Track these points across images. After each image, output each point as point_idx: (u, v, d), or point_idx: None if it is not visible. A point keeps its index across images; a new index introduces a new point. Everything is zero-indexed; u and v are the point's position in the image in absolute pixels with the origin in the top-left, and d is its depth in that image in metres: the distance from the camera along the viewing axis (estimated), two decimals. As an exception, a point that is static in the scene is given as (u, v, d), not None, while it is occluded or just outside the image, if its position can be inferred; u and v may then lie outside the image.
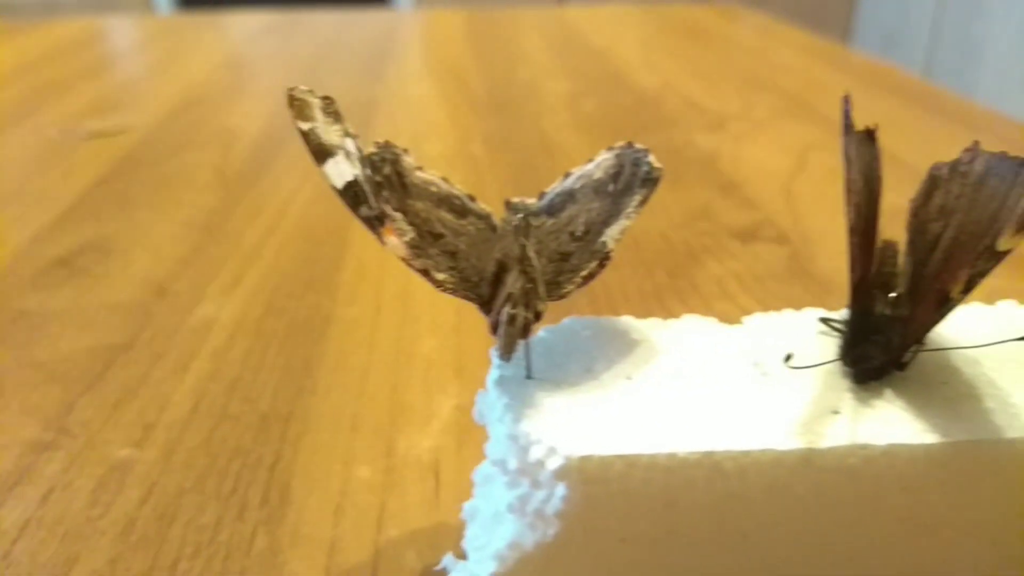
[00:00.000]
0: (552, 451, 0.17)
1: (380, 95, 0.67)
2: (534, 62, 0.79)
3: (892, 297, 0.18)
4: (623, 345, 0.20)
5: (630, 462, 0.17)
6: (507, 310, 0.17)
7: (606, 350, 0.20)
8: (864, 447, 0.17)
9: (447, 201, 0.21)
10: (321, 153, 0.18)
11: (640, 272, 0.39)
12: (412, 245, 0.18)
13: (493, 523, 0.18)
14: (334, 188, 0.18)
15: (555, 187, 0.22)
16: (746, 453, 0.17)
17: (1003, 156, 0.18)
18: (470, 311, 0.29)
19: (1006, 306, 0.22)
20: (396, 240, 0.18)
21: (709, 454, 0.17)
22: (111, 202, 0.47)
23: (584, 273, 0.18)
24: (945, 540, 0.18)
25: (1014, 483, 0.17)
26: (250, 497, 0.25)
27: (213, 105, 0.65)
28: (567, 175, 0.22)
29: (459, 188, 0.22)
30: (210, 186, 0.49)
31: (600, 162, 0.21)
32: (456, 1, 1.82)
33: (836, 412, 0.18)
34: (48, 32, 0.92)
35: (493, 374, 0.19)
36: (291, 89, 0.19)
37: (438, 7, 1.65)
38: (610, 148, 0.21)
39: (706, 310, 0.34)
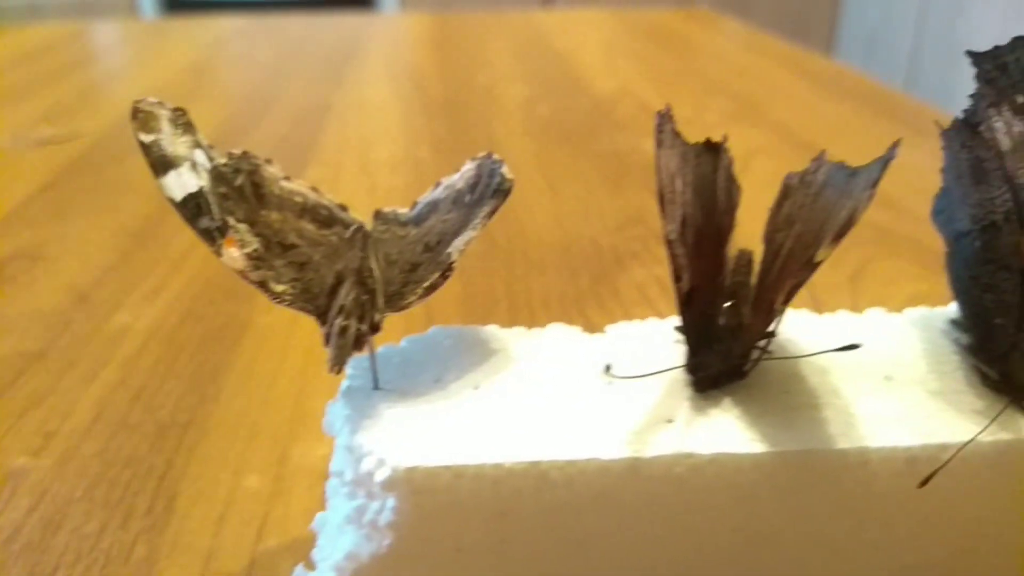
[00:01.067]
0: (381, 462, 0.17)
1: (336, 99, 0.67)
2: (495, 67, 0.79)
3: (727, 307, 0.18)
4: (480, 355, 0.20)
5: (457, 473, 0.17)
6: (338, 322, 0.17)
7: (461, 360, 0.20)
8: (689, 456, 0.17)
9: (312, 211, 0.21)
10: (162, 165, 0.18)
11: (564, 277, 0.39)
12: (253, 257, 0.18)
13: (337, 534, 0.18)
14: (171, 201, 0.18)
15: (425, 197, 0.22)
16: (572, 463, 0.17)
17: (840, 165, 0.18)
18: (389, 319, 0.29)
19: (873, 313, 0.22)
20: (235, 252, 0.18)
21: (535, 464, 0.17)
22: (49, 209, 0.47)
23: (426, 284, 0.18)
24: (781, 550, 0.18)
25: (848, 493, 0.17)
26: (136, 505, 0.25)
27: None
28: (436, 185, 0.22)
29: (329, 198, 0.22)
30: (148, 193, 0.49)
31: (463, 172, 0.21)
32: (441, 5, 1.82)
33: (670, 421, 0.18)
34: (20, 36, 0.92)
35: (343, 385, 0.19)
36: (137, 101, 0.19)
37: (421, 10, 1.65)
38: (473, 158, 0.21)
39: (624, 315, 0.34)
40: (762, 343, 0.19)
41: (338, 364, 0.17)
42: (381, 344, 0.20)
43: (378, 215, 0.22)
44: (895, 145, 0.17)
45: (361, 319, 0.17)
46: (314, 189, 0.22)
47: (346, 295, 0.17)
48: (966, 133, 0.19)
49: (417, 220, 0.21)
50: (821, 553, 0.18)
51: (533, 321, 0.35)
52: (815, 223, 0.17)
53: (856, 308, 0.24)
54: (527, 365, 0.20)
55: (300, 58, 0.84)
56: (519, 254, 0.41)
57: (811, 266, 0.16)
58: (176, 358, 0.32)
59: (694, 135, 0.20)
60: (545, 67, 0.79)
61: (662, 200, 0.17)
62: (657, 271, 0.39)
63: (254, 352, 0.33)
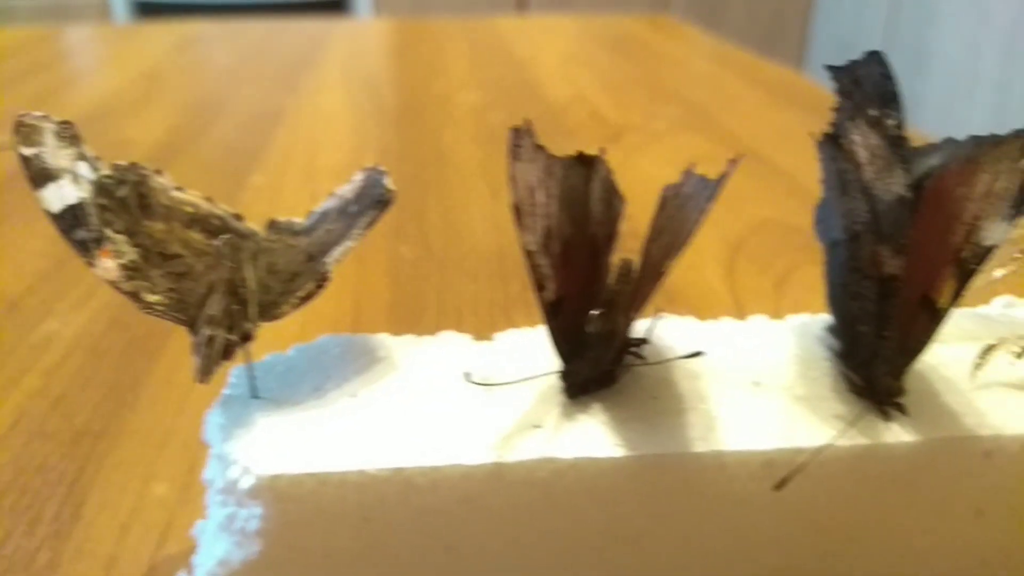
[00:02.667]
0: (246, 470, 0.17)
1: (289, 106, 0.68)
2: (452, 73, 0.79)
3: (594, 314, 0.18)
4: (364, 363, 0.20)
5: (321, 480, 0.17)
6: (205, 331, 0.17)
7: (345, 368, 0.20)
8: (552, 460, 0.17)
9: (203, 221, 0.21)
10: (41, 178, 0.18)
11: (494, 284, 0.39)
12: (128, 267, 0.18)
13: (212, 541, 0.19)
14: (48, 213, 0.18)
15: (319, 207, 0.22)
16: (436, 468, 0.17)
17: (702, 179, 0.18)
18: (317, 327, 0.29)
19: (756, 320, 0.23)
20: (110, 263, 0.18)
21: (399, 470, 0.17)
22: (-13, 216, 0.47)
23: (301, 294, 0.19)
24: (646, 552, 0.18)
25: (707, 496, 0.18)
26: (44, 512, 0.25)
27: (117, 116, 0.65)
28: (331, 195, 0.22)
29: (223, 208, 0.22)
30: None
31: (353, 182, 0.21)
32: (416, 10, 1.83)
33: (538, 426, 0.18)
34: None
35: (223, 394, 0.19)
36: (21, 115, 0.19)
37: (395, 15, 1.66)
38: (364, 168, 0.22)
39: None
40: (636, 349, 0.19)
41: (205, 374, 0.17)
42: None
43: (272, 225, 0.22)
44: (733, 163, 0.17)
45: (231, 329, 0.17)
46: (208, 199, 0.22)
47: (213, 305, 0.17)
48: (831, 146, 0.19)
49: (308, 230, 0.22)
50: (685, 555, 0.19)
51: (460, 328, 0.36)
52: (676, 235, 0.18)
53: (778, 314, 0.25)
54: (409, 373, 0.20)
55: (259, 64, 0.84)
56: (453, 261, 0.42)
57: (658, 275, 0.16)
58: (98, 366, 0.32)
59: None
60: (503, 74, 0.79)
61: (519, 212, 0.17)
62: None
63: (175, 361, 0.33)
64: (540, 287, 0.18)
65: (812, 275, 0.41)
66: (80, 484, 0.26)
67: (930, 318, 0.18)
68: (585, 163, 0.19)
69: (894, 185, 0.18)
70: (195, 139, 0.59)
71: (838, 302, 0.20)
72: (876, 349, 0.19)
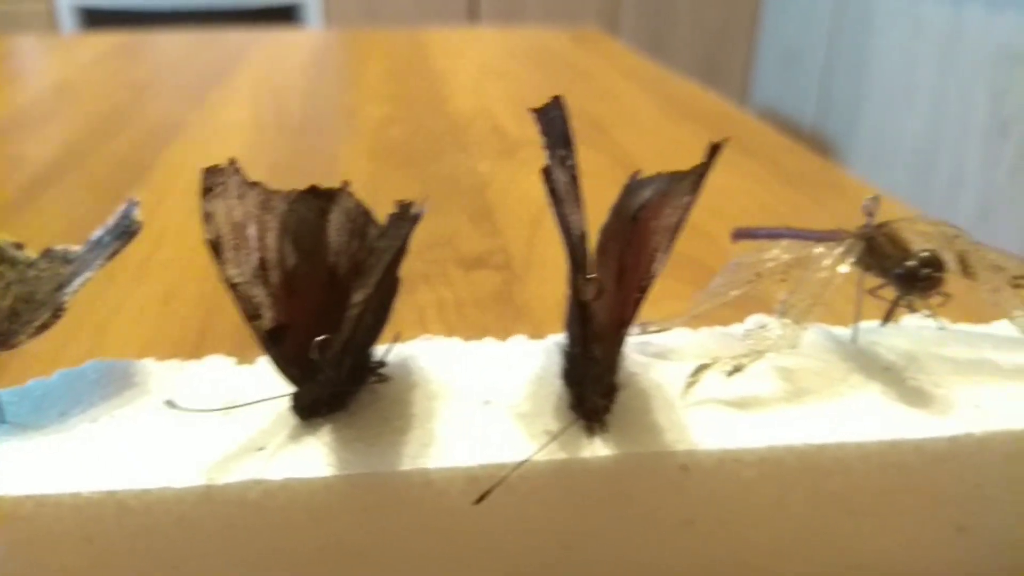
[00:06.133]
0: (-30, 493, 0.18)
1: (191, 120, 0.68)
2: (365, 85, 0.80)
3: (318, 340, 0.19)
4: (118, 388, 0.21)
5: (39, 502, 0.18)
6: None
7: (96, 394, 0.21)
8: (261, 482, 0.18)
9: (-26, 251, 0.22)
10: None
11: (349, 301, 0.40)
12: None
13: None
14: None
15: (93, 235, 0.23)
16: (147, 491, 0.18)
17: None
18: (160, 348, 0.29)
19: (517, 339, 0.24)
20: None
21: (111, 493, 0.18)
22: None
23: (36, 324, 0.19)
24: (368, 567, 0.20)
25: (418, 511, 0.19)
26: None
27: (16, 131, 0.65)
28: (103, 224, 0.23)
29: (3, 237, 0.23)
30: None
31: (116, 212, 0.22)
32: (366, 20, 1.83)
33: (261, 448, 0.19)
34: None
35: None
36: None
37: (346, 26, 1.66)
38: (129, 200, 0.22)
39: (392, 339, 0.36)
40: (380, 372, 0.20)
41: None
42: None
43: (46, 253, 0.23)
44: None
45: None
46: (-16, 229, 0.23)
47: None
48: (546, 180, 0.20)
49: (77, 259, 0.22)
50: (405, 569, 0.20)
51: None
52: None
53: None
54: (158, 398, 0.21)
55: (173, 76, 0.85)
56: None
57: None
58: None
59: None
60: (414, 87, 0.80)
61: (218, 247, 0.18)
62: (443, 294, 0.41)
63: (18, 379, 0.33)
64: (253, 316, 0.19)
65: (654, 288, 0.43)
66: None
67: (621, 340, 0.19)
68: (321, 196, 0.20)
69: (577, 220, 0.19)
70: (88, 155, 0.59)
71: (567, 323, 0.21)
72: (584, 369, 0.20)
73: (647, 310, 0.21)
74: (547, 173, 0.20)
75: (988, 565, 0.22)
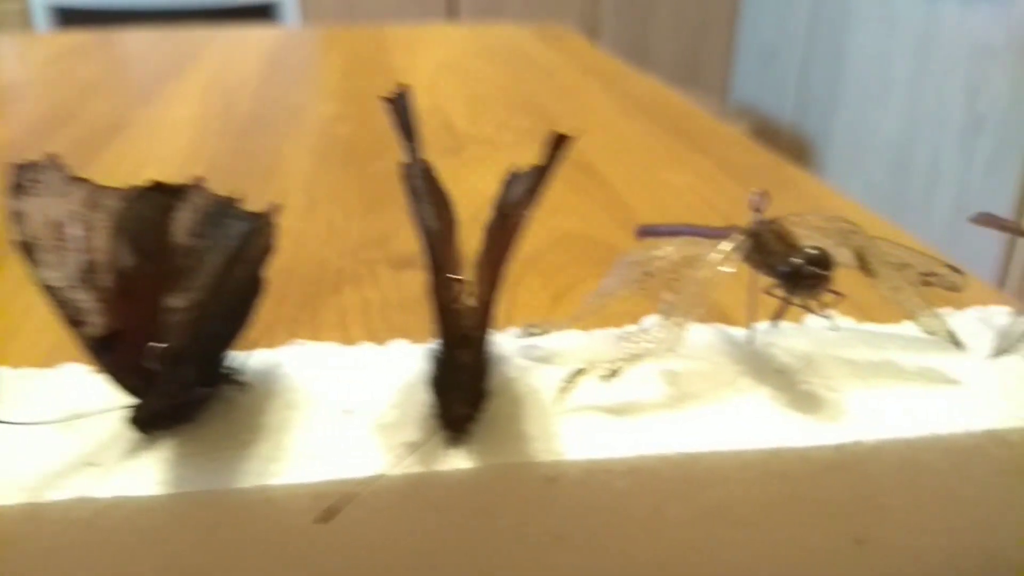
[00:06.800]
0: None
1: (138, 118, 0.66)
2: (318, 83, 0.79)
3: (154, 347, 0.18)
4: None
5: None
6: None
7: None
8: (89, 500, 0.17)
9: None
10: None
11: (273, 301, 0.38)
12: None
13: None
14: None
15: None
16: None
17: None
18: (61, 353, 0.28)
19: (396, 344, 0.23)
20: None
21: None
22: None
23: None
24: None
25: (259, 529, 0.18)
26: None
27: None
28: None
29: None
30: None
31: None
32: (343, 17, 1.82)
33: (94, 465, 0.18)
34: None
35: None
36: None
37: (322, 23, 1.64)
38: None
39: (311, 340, 0.35)
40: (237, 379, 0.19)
41: None
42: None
43: None
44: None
45: None
46: None
47: None
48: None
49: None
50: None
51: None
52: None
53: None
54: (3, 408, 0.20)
55: (125, 74, 0.83)
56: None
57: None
58: None
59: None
60: (368, 85, 0.79)
61: (32, 249, 0.17)
62: (368, 295, 0.40)
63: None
64: (76, 323, 0.17)
65: (592, 288, 0.42)
66: None
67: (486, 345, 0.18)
68: (167, 192, 0.19)
69: (432, 217, 0.18)
70: (24, 154, 0.57)
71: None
72: (449, 375, 0.19)
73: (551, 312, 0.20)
74: (406, 169, 0.19)
75: (886, 577, 0.21)
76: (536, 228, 0.47)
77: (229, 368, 0.20)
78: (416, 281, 0.42)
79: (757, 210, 0.22)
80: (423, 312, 0.38)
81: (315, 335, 0.37)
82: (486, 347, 0.19)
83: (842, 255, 0.22)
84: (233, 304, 0.20)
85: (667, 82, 0.80)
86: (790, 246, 0.20)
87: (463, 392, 0.19)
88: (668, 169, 0.62)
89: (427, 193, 0.19)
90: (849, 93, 1.70)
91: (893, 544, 0.21)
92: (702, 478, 0.19)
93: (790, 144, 1.86)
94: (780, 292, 0.21)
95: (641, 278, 0.22)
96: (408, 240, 0.47)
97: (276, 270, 0.45)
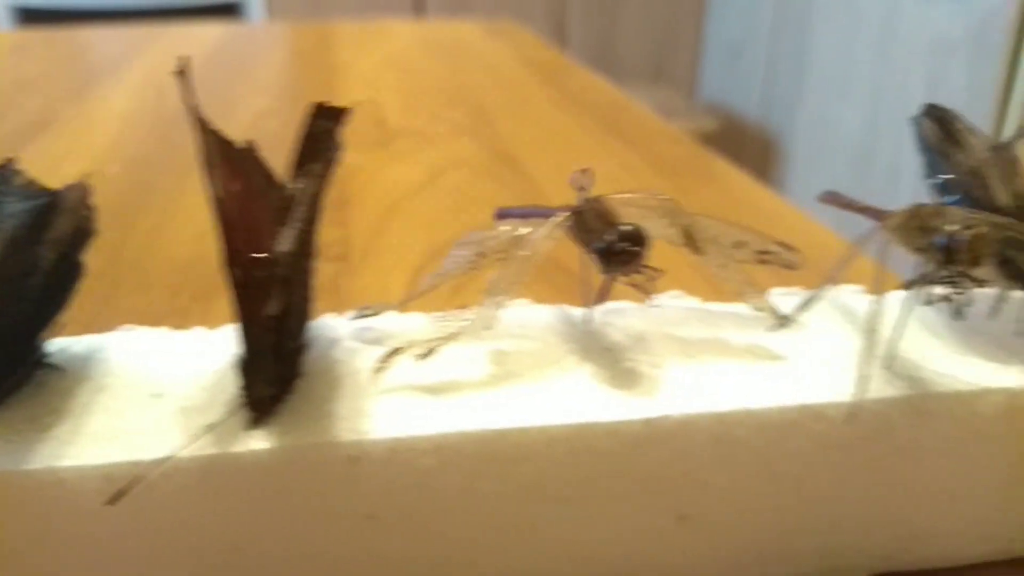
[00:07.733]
0: None
1: (69, 113, 0.66)
2: (258, 78, 0.78)
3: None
4: None
5: None
6: None
7: None
8: None
9: None
10: None
11: (166, 296, 0.39)
12: None
13: None
14: None
15: None
16: None
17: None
18: None
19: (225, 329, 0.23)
20: None
21: None
22: None
23: None
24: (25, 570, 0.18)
25: (60, 512, 0.18)
26: None
27: None
28: None
29: None
30: None
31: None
32: (308, 13, 1.81)
33: None
34: None
35: None
36: None
37: (287, 19, 1.64)
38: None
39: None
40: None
41: None
42: None
43: None
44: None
45: None
46: None
47: None
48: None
49: None
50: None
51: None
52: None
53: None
54: None
55: (64, 72, 0.82)
56: (138, 271, 0.41)
57: None
58: None
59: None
60: (306, 80, 0.79)
61: None
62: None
63: None
64: None
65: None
66: None
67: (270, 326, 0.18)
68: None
69: (218, 186, 0.18)
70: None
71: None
72: (250, 357, 0.19)
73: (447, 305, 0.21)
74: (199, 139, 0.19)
75: (714, 555, 0.21)
76: (448, 219, 0.48)
77: (42, 352, 0.20)
78: (319, 272, 0.42)
79: (581, 188, 0.22)
80: (319, 303, 0.38)
81: (207, 325, 0.37)
82: (295, 326, 0.19)
83: (670, 234, 0.22)
84: (43, 288, 0.19)
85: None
86: (608, 224, 0.20)
87: (265, 373, 0.18)
88: (593, 161, 0.63)
89: (221, 163, 0.18)
90: (813, 88, 1.72)
91: (717, 520, 0.21)
92: (510, 454, 0.19)
93: (756, 139, 1.87)
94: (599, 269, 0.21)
95: (475, 259, 0.22)
96: (323, 231, 0.47)
97: (179, 262, 0.44)
